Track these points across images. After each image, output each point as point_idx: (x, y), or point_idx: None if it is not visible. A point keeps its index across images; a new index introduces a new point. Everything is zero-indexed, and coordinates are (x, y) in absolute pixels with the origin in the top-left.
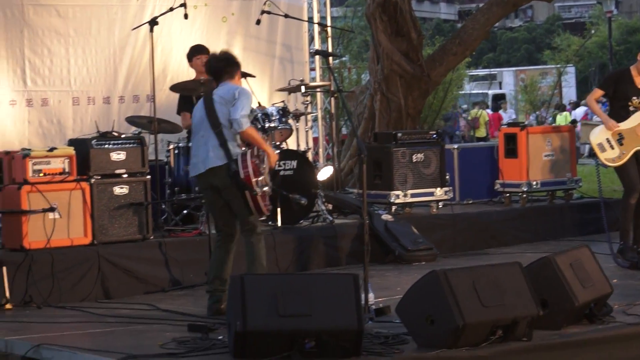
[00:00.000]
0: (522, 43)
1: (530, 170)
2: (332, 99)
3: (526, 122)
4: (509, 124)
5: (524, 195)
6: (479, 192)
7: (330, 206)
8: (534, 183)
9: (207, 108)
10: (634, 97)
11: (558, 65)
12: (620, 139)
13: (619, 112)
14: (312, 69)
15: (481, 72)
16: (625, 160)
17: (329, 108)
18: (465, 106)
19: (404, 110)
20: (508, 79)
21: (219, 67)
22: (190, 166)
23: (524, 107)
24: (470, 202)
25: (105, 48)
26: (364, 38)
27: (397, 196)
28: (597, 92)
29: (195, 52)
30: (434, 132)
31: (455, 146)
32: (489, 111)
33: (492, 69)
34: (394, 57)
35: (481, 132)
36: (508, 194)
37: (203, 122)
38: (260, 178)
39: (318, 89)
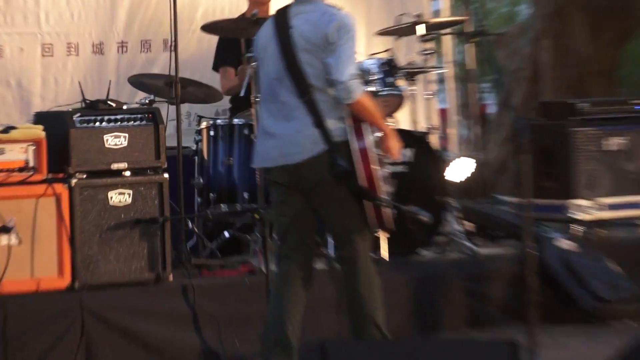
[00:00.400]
0: None
1: None
2: (470, 46)
3: None
4: None
5: None
6: None
7: (470, 225)
8: None
9: (285, 57)
10: None
11: None
12: None
13: None
14: None
15: None
16: None
17: (463, 62)
18: None
19: (590, 64)
20: None
21: None
22: (256, 154)
23: None
24: None
25: None
26: None
27: (583, 208)
28: None
29: None
30: (638, 102)
31: None
32: None
33: None
34: None
35: None
36: None
37: (278, 82)
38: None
39: (446, 31)
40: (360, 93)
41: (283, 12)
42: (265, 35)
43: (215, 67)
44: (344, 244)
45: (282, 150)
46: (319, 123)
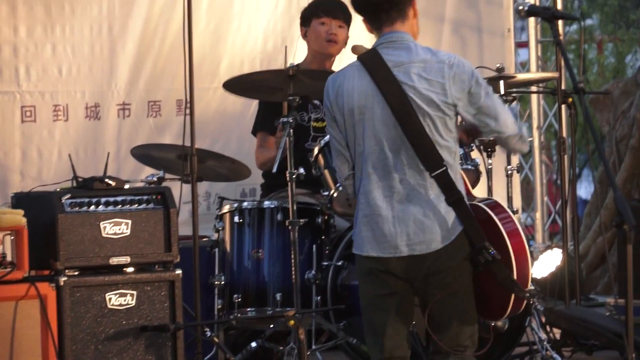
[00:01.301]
0: None
1: None
2: (564, 106)
3: None
4: None
5: None
6: None
7: (557, 333)
8: None
9: (402, 122)
10: None
11: None
12: None
13: None
14: (522, 45)
15: None
16: None
17: (556, 126)
18: None
19: None
20: None
21: None
22: (363, 240)
23: None
24: None
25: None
26: None
27: None
28: None
29: (322, 10)
30: None
31: None
32: None
33: None
34: None
35: None
36: None
37: (394, 154)
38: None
39: (533, 88)
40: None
41: (376, 61)
42: (361, 92)
43: (254, 131)
44: (456, 338)
45: (410, 239)
46: (454, 201)
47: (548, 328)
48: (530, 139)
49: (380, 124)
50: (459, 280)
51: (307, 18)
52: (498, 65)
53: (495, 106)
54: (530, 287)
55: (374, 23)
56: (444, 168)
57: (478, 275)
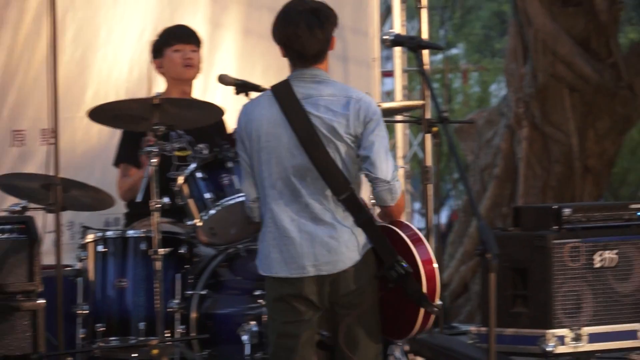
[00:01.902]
0: None
1: None
2: (429, 135)
3: None
4: None
5: None
6: None
7: None
8: None
9: (308, 149)
10: None
11: None
12: None
13: None
14: (388, 74)
15: None
16: None
17: (421, 156)
18: None
19: (578, 159)
20: None
21: (315, 30)
22: (269, 260)
23: None
24: None
25: None
26: (495, 9)
27: (562, 340)
28: None
29: (174, 37)
30: None
31: None
32: None
33: None
34: (560, 49)
35: None
36: None
37: (300, 180)
38: None
39: (400, 117)
40: (400, 194)
41: (286, 92)
42: (269, 120)
43: (117, 163)
44: (364, 355)
45: (317, 259)
46: (363, 222)
47: (411, 356)
48: (402, 167)
49: (286, 151)
50: (367, 300)
51: (159, 49)
52: (365, 92)
53: (381, 150)
54: (438, 302)
55: (296, 60)
56: (351, 192)
57: (386, 295)
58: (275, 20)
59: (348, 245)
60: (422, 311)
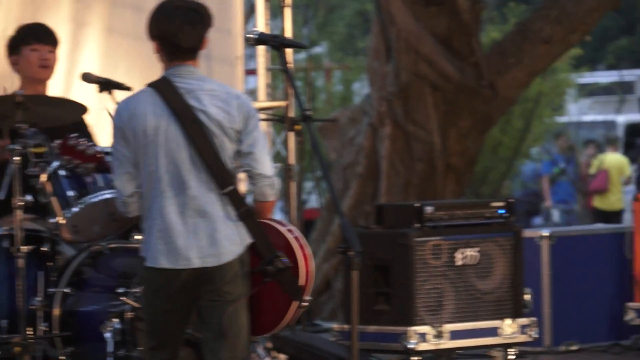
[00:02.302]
0: None
1: None
2: (292, 134)
3: None
4: None
5: None
6: (592, 328)
7: (283, 358)
8: None
9: (195, 143)
10: None
11: None
12: None
13: None
14: (251, 73)
15: (603, 77)
16: None
17: (283, 154)
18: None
19: (439, 157)
20: None
21: (192, 25)
22: (154, 252)
23: None
24: (575, 348)
25: None
26: (358, 8)
27: (423, 337)
28: None
29: (32, 36)
30: (503, 204)
31: (546, 232)
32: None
33: (626, 70)
34: (423, 48)
35: (608, 202)
36: None
37: (186, 173)
38: None
39: (263, 115)
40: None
41: (168, 87)
42: (155, 114)
43: None
44: (235, 356)
45: (202, 252)
46: (244, 216)
47: (274, 354)
48: (276, 165)
49: (173, 145)
50: (244, 293)
51: (16, 46)
52: None
53: (262, 144)
54: (309, 297)
55: (170, 55)
56: (235, 186)
57: (259, 289)
58: (153, 15)
59: (231, 239)
60: (294, 306)
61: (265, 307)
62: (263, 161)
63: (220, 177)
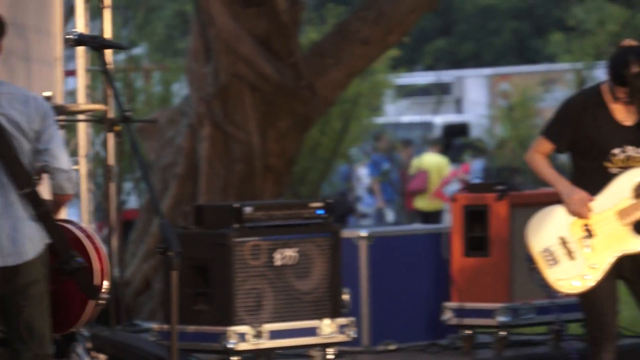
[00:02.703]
0: (507, 19)
1: (516, 284)
2: (111, 135)
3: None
4: (473, 187)
5: (502, 335)
6: (410, 328)
7: (103, 359)
8: (522, 309)
9: None
10: (616, 149)
11: (579, 64)
12: (587, 236)
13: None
14: (70, 74)
15: (421, 78)
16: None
17: (103, 155)
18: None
19: (258, 158)
20: (475, 92)
21: None
22: None
23: (510, 149)
24: (393, 347)
25: None
26: (178, 9)
27: (242, 337)
28: (544, 145)
29: None
30: (321, 205)
31: (364, 233)
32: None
33: (443, 71)
34: (242, 49)
35: (424, 203)
36: (469, 332)
37: None
38: None
39: (82, 116)
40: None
41: None
42: None
43: None
44: (42, 353)
45: (2, 252)
46: (42, 217)
47: (94, 354)
48: (76, 167)
49: None
50: (45, 291)
51: None
52: (47, 94)
53: (58, 140)
54: (106, 295)
55: None
56: (33, 186)
57: (57, 287)
58: None
59: (31, 238)
60: (91, 304)
61: (64, 304)
62: (60, 156)
63: (20, 178)
